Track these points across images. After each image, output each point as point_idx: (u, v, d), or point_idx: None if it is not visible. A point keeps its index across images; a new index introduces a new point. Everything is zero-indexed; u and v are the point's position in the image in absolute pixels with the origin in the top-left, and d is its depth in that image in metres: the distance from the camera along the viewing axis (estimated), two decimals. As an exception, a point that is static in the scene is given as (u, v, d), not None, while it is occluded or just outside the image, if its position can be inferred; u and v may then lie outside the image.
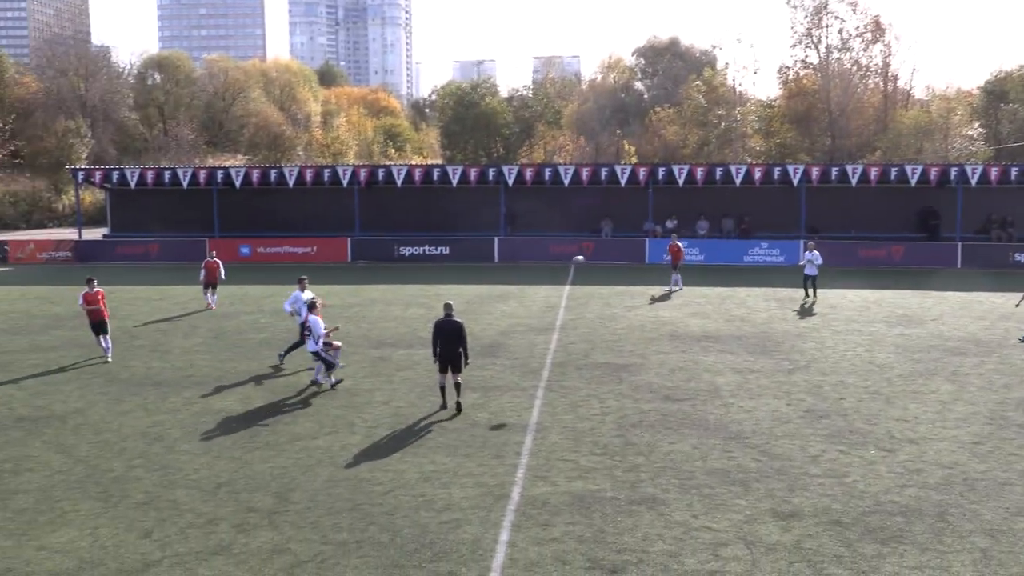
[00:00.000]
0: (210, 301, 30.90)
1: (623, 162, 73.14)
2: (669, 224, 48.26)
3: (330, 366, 19.50)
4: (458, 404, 17.33)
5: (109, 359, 22.59)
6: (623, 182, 46.34)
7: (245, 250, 46.89)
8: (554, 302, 31.75)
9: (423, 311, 29.54)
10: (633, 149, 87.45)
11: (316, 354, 19.32)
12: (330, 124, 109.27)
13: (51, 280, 39.25)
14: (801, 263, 31.86)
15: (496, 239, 46.60)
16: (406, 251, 46.60)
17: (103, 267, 44.96)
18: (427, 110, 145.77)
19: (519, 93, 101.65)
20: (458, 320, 17.37)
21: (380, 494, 13.18)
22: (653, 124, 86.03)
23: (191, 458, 14.90)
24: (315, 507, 12.72)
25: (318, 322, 19.34)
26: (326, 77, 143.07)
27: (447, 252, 46.41)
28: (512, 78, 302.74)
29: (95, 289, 23.03)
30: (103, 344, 22.90)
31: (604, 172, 46.98)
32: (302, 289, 22.20)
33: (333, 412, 17.59)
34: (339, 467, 14.38)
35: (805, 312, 29.30)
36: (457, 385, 17.33)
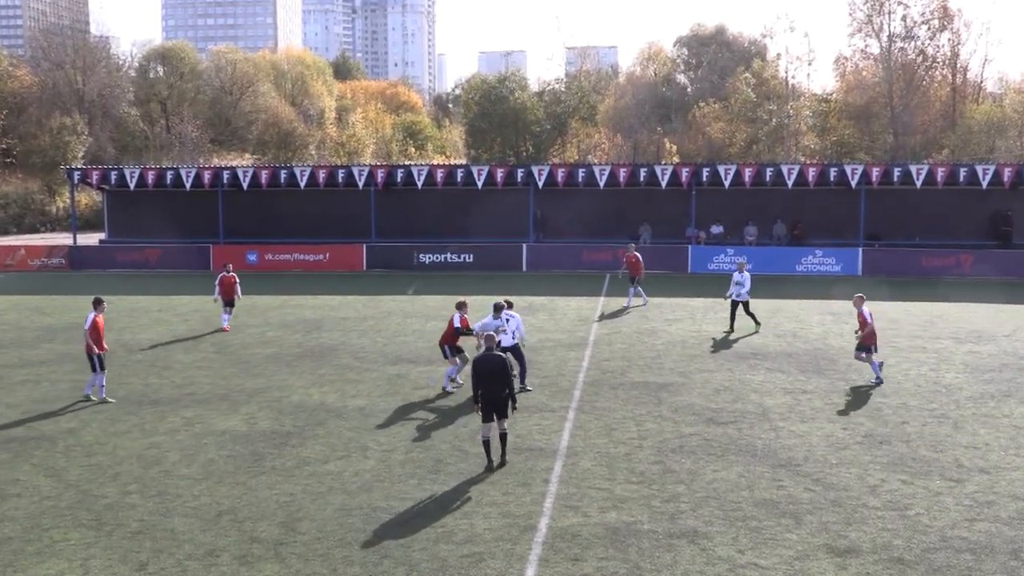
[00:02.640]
0: (225, 322, 29.44)
1: (664, 162, 73.00)
2: (715, 230, 48.20)
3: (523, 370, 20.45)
4: (503, 460, 15.70)
5: (102, 397, 20.33)
6: (663, 184, 46.27)
7: (252, 257, 47.28)
8: (587, 315, 31.70)
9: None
10: (675, 148, 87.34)
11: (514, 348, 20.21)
12: (345, 120, 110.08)
13: (43, 289, 39.72)
14: (729, 293, 28.47)
15: (524, 246, 46.66)
16: (426, 259, 46.79)
17: (99, 275, 45.48)
18: (450, 105, 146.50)
19: (550, 87, 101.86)
20: (499, 355, 15.73)
21: (395, 524, 13.18)
22: (697, 120, 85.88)
23: (190, 483, 14.97)
24: (325, 538, 12.74)
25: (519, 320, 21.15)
26: (341, 70, 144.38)
27: (471, 260, 46.54)
28: (543, 70, 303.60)
29: (102, 313, 20.80)
30: (96, 382, 20.49)
31: (643, 173, 46.92)
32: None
33: (345, 434, 17.63)
34: (351, 494, 14.39)
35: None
36: (503, 436, 15.72)
